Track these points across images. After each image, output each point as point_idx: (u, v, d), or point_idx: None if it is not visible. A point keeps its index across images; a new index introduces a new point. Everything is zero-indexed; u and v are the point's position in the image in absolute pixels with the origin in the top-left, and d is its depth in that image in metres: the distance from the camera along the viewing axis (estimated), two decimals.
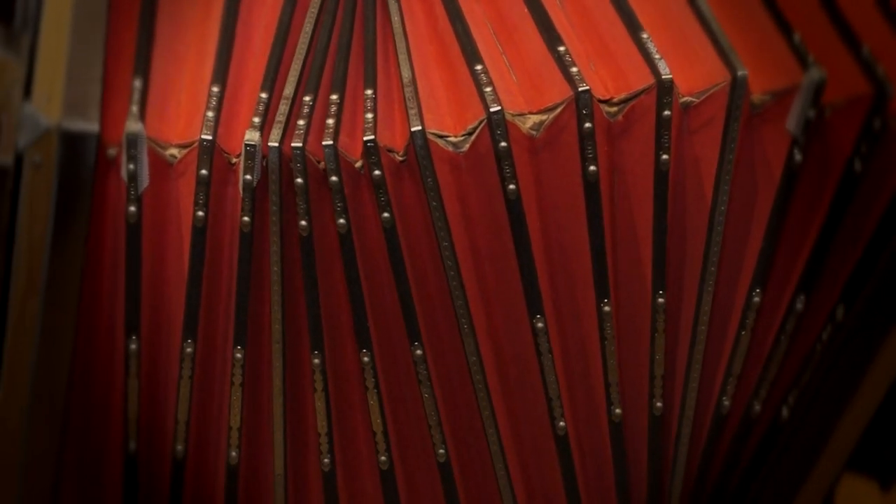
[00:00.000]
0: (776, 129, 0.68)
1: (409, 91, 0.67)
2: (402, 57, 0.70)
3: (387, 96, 0.69)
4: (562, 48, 0.67)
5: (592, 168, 0.66)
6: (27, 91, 0.68)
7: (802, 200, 0.70)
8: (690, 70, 0.68)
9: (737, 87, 0.66)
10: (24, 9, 0.73)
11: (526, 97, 0.67)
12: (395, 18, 0.71)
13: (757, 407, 0.74)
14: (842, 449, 0.76)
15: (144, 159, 0.68)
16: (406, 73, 0.68)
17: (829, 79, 0.67)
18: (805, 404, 0.75)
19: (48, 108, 0.66)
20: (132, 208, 0.68)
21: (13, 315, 0.70)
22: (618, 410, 0.73)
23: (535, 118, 0.66)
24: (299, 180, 0.66)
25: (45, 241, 0.68)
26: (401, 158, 0.66)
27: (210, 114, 0.68)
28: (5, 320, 0.71)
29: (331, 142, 0.65)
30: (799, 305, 0.72)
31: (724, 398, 0.74)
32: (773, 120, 0.68)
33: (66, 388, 0.72)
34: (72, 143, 0.66)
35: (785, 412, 0.74)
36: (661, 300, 0.70)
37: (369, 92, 0.68)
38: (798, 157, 0.68)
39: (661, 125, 0.67)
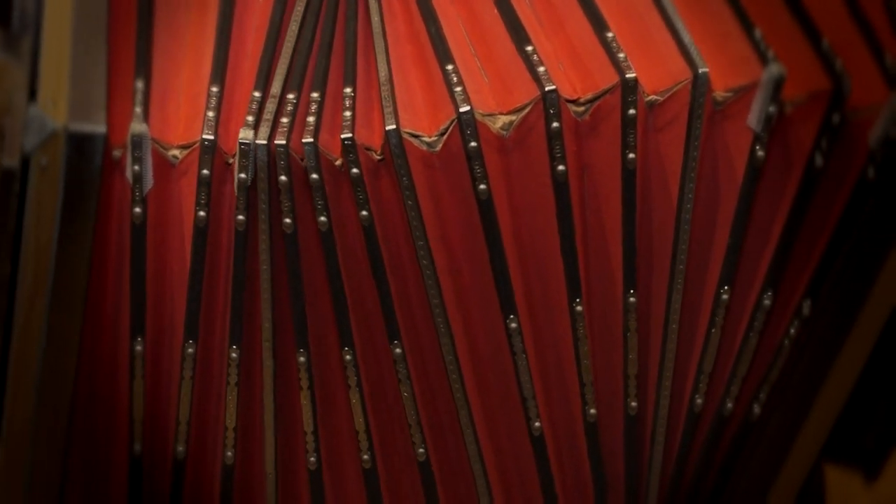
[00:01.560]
0: (738, 125, 0.68)
1: (385, 90, 0.68)
2: (381, 56, 0.70)
3: (366, 95, 0.69)
4: (529, 48, 0.68)
5: (561, 167, 0.66)
6: (32, 94, 0.68)
7: (766, 196, 0.70)
8: (654, 69, 0.68)
9: (698, 84, 0.66)
10: (22, 11, 0.73)
11: (496, 97, 0.68)
12: (375, 18, 0.72)
13: (729, 405, 0.75)
14: (813, 443, 0.76)
15: (149, 160, 0.68)
16: (383, 72, 0.69)
17: (788, 74, 0.67)
18: (775, 400, 0.76)
19: (54, 110, 0.66)
20: (137, 209, 0.68)
21: (20, 316, 0.70)
22: (592, 410, 0.74)
23: (505, 118, 0.66)
24: (283, 178, 0.66)
25: (52, 243, 0.68)
26: (379, 157, 0.66)
27: (210, 114, 0.68)
28: (12, 321, 0.71)
29: (311, 139, 0.66)
30: (766, 301, 0.72)
31: (697, 396, 0.75)
32: (736, 116, 0.68)
33: (72, 390, 0.72)
34: (79, 145, 0.66)
35: (756, 409, 0.75)
36: (632, 299, 0.71)
37: (348, 90, 0.69)
38: (760, 153, 0.68)
39: (627, 124, 0.67)
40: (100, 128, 0.66)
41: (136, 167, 0.67)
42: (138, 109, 0.68)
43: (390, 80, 0.68)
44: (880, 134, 0.66)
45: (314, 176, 0.66)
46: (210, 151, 0.67)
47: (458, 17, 0.73)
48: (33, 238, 0.68)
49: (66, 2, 0.71)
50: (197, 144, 0.67)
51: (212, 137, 0.67)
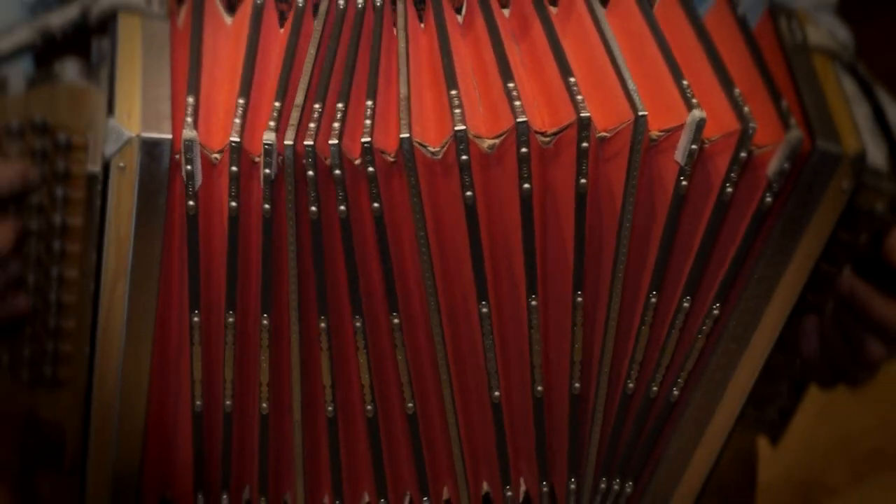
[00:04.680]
0: (668, 158, 0.73)
1: (403, 105, 0.73)
2: (402, 78, 0.75)
3: (385, 107, 0.74)
4: (511, 84, 0.73)
5: (527, 185, 0.72)
6: (110, 110, 0.72)
7: (688, 218, 0.75)
8: (605, 110, 0.73)
9: (638, 125, 0.71)
10: (99, 47, 0.78)
11: (485, 122, 0.73)
12: (402, 45, 0.77)
13: (654, 388, 0.80)
14: (729, 416, 0.81)
15: (198, 162, 0.72)
16: (403, 91, 0.74)
17: (708, 118, 0.72)
18: (690, 384, 0.81)
19: (128, 122, 0.71)
20: (191, 202, 0.72)
21: (105, 295, 0.75)
22: (540, 388, 0.79)
23: (490, 141, 0.72)
24: (310, 173, 0.71)
25: (130, 233, 0.73)
26: (391, 159, 0.72)
27: (237, 121, 0.72)
28: (99, 299, 0.75)
29: (336, 141, 0.71)
30: (686, 304, 0.77)
31: (629, 381, 0.80)
32: (666, 151, 0.73)
33: (150, 355, 0.77)
34: (150, 150, 0.71)
35: (675, 392, 0.81)
36: (579, 299, 0.76)
37: (370, 103, 0.73)
38: (684, 182, 0.73)
39: (581, 155, 0.72)
40: (167, 135, 0.72)
41: (189, 167, 0.72)
42: (189, 120, 0.73)
43: (408, 98, 0.73)
44: (776, 167, 0.73)
45: (337, 172, 0.71)
46: (237, 151, 0.72)
47: (466, 54, 0.79)
48: (114, 230, 0.74)
49: (137, 37, 0.76)
50: (228, 147, 0.72)
51: (237, 140, 0.72)
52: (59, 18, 0.79)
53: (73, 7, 0.79)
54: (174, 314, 0.77)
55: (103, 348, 0.77)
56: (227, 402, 0.79)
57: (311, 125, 0.72)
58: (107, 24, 0.78)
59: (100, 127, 0.73)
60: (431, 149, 0.73)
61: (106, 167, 0.72)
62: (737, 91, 0.75)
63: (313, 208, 0.72)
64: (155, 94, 0.73)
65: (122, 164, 0.72)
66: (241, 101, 0.74)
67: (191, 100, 0.74)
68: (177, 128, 0.73)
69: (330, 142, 0.71)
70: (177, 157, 0.72)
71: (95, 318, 0.76)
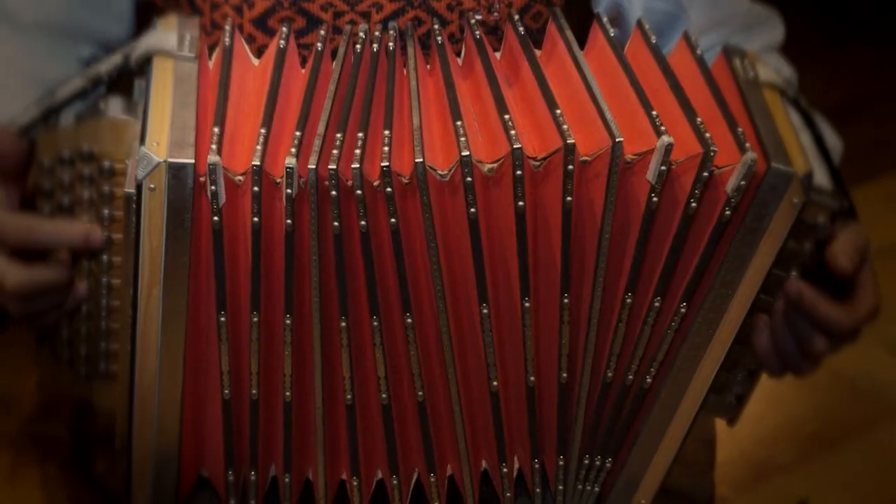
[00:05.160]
0: (641, 179, 0.74)
1: (416, 134, 0.73)
2: (415, 111, 0.76)
3: (399, 136, 0.74)
4: (507, 116, 0.73)
5: (521, 203, 0.73)
6: (142, 139, 0.72)
7: (658, 229, 0.76)
8: (587, 137, 0.74)
9: (615, 150, 0.72)
10: (140, 86, 0.78)
11: (485, 149, 0.74)
12: (413, 84, 0.77)
13: (630, 377, 0.81)
14: (694, 401, 0.81)
15: (221, 183, 0.72)
16: (416, 121, 0.74)
17: (674, 143, 0.72)
18: (661, 373, 0.81)
19: (157, 149, 0.71)
20: (215, 218, 0.72)
21: (143, 300, 0.75)
22: (532, 378, 0.80)
23: (489, 165, 0.73)
24: (334, 193, 0.71)
25: (161, 245, 0.73)
26: (406, 181, 0.72)
27: (259, 147, 0.72)
28: (137, 304, 0.75)
29: (357, 165, 0.71)
30: (657, 304, 0.78)
31: (609, 371, 0.80)
32: (639, 172, 0.74)
33: (183, 351, 0.76)
34: (176, 173, 0.71)
35: (648, 380, 0.81)
36: (566, 300, 0.77)
37: (387, 132, 0.74)
38: (655, 199, 0.74)
39: (567, 176, 0.73)
40: (190, 160, 0.71)
41: (213, 187, 0.72)
42: (214, 147, 0.72)
43: (420, 128, 0.74)
44: (734, 184, 0.73)
45: (359, 192, 0.71)
46: (258, 174, 0.71)
47: (466, 91, 0.79)
48: (148, 243, 0.73)
49: (169, 77, 0.76)
50: (250, 170, 0.72)
51: (258, 163, 0.71)
52: (106, 65, 0.79)
53: (118, 55, 0.79)
54: (203, 315, 0.77)
55: (142, 345, 0.77)
56: (254, 391, 0.79)
57: (334, 151, 0.72)
58: (144, 67, 0.78)
59: (135, 153, 0.73)
60: (440, 172, 0.73)
61: (139, 188, 0.72)
62: (699, 119, 0.75)
63: (336, 223, 0.72)
64: (181, 125, 0.73)
65: (152, 186, 0.72)
66: (262, 130, 0.74)
67: (216, 129, 0.73)
68: (202, 153, 0.72)
69: (353, 165, 0.71)
70: (202, 179, 0.72)
71: (135, 320, 0.76)
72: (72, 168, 0.76)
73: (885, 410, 1.81)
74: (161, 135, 0.72)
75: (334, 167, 0.72)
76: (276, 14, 0.86)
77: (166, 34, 0.79)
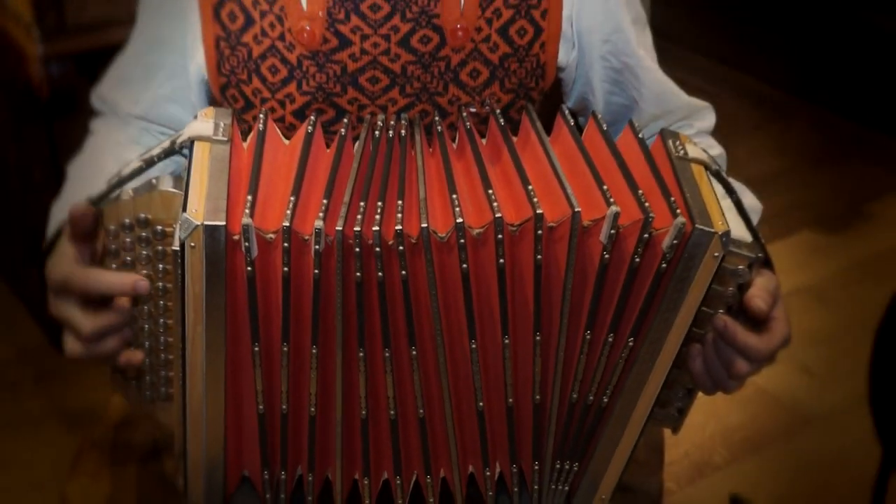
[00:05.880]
0: (595, 240, 0.74)
1: (422, 204, 0.73)
2: (421, 185, 0.76)
3: (409, 205, 0.74)
4: (490, 191, 0.74)
5: (502, 260, 0.73)
6: (184, 207, 0.72)
7: (610, 280, 0.76)
8: (552, 207, 0.74)
9: (575, 218, 0.72)
10: (183, 165, 0.77)
11: (474, 217, 0.74)
12: (419, 163, 0.78)
13: (591, 397, 0.80)
14: (642, 415, 0.81)
15: (254, 240, 0.72)
16: (422, 194, 0.75)
17: (621, 211, 0.73)
18: (615, 394, 0.81)
19: (196, 215, 0.71)
20: (249, 268, 0.72)
21: (189, 335, 0.75)
22: (511, 399, 0.79)
23: (478, 230, 0.73)
24: (357, 250, 0.71)
25: (202, 291, 0.73)
26: (414, 241, 0.72)
27: (288, 212, 0.72)
28: (185, 339, 0.75)
29: (377, 228, 0.71)
30: (610, 339, 0.78)
31: (573, 393, 0.80)
32: (594, 235, 0.74)
33: (224, 377, 0.76)
34: (210, 233, 0.71)
35: (605, 399, 0.81)
36: (538, 338, 0.77)
37: (399, 202, 0.74)
38: (606, 256, 0.74)
39: (537, 239, 0.73)
40: (222, 222, 0.71)
41: (246, 244, 0.71)
42: (247, 211, 0.72)
43: (425, 199, 0.74)
44: (668, 242, 0.73)
45: (377, 249, 0.71)
46: (287, 233, 0.71)
47: (460, 169, 0.80)
48: (191, 289, 0.73)
49: (206, 157, 0.76)
50: (281, 229, 0.72)
51: (288, 224, 0.71)
52: (158, 149, 0.79)
53: (167, 140, 0.80)
54: (240, 346, 0.76)
55: (191, 372, 0.76)
56: (283, 407, 0.78)
57: (358, 217, 0.72)
58: (186, 148, 0.78)
59: (180, 219, 0.73)
60: (440, 235, 0.74)
61: (182, 246, 0.72)
62: (640, 192, 0.75)
63: (358, 274, 0.72)
64: (216, 195, 0.73)
65: (192, 244, 0.71)
66: (292, 198, 0.74)
67: (249, 197, 0.73)
68: (235, 216, 0.72)
69: (373, 228, 0.71)
70: (235, 237, 0.72)
71: (184, 351, 0.76)
72: (132, 232, 0.76)
73: (799, 420, 1.81)
74: (199, 203, 0.72)
75: (359, 229, 0.72)
76: (312, 107, 0.87)
77: (205, 123, 0.79)
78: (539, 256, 0.74)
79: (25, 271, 1.84)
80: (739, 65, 2.81)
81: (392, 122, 0.82)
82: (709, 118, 0.99)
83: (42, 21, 1.44)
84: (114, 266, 0.77)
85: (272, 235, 0.73)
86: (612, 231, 0.74)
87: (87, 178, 0.87)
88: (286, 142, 0.82)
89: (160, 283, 0.77)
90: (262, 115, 0.81)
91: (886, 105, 2.54)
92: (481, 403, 0.79)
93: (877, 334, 1.25)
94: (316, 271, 0.72)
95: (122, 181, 0.77)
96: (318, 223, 0.71)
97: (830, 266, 2.14)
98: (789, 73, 2.73)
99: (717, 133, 0.99)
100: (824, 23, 2.61)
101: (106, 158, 0.89)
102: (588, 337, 0.78)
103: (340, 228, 0.71)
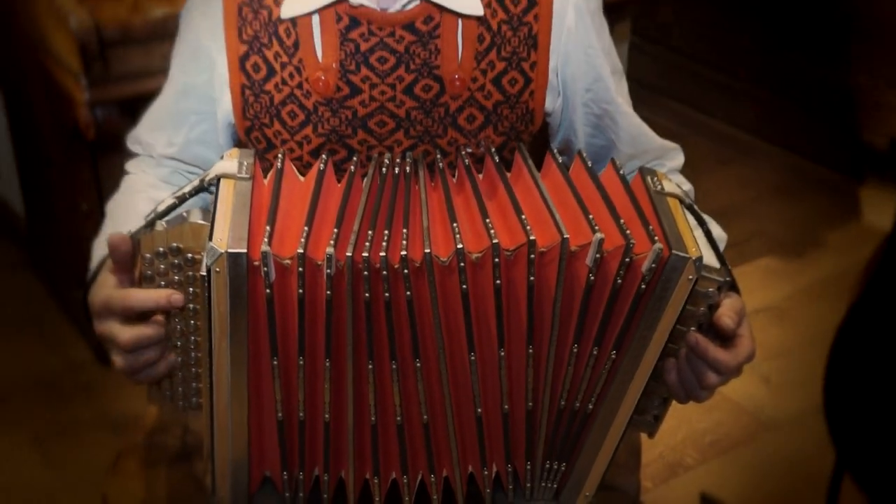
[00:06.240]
0: (582, 263, 0.74)
1: (425, 232, 0.73)
2: (424, 215, 0.75)
3: (413, 233, 0.74)
4: (487, 220, 0.74)
5: (498, 281, 0.73)
6: (211, 237, 0.71)
7: (595, 299, 0.75)
8: (543, 234, 0.74)
9: (564, 244, 0.72)
10: (210, 200, 0.77)
11: (473, 243, 0.74)
12: (423, 195, 0.78)
13: (577, 404, 0.80)
14: (622, 420, 0.80)
15: (272, 265, 0.71)
16: (425, 223, 0.75)
17: (605, 238, 0.73)
18: (599, 400, 0.80)
19: (220, 243, 0.71)
20: (268, 291, 0.72)
21: (215, 350, 0.74)
22: (506, 406, 0.79)
23: (477, 254, 0.73)
24: (366, 273, 0.71)
25: (226, 311, 0.72)
26: (418, 265, 0.72)
27: (302, 240, 0.72)
28: (212, 353, 0.74)
29: (384, 254, 0.71)
30: (595, 352, 0.77)
31: (562, 400, 0.79)
32: (581, 258, 0.74)
33: (247, 387, 0.75)
34: (233, 260, 0.71)
35: (590, 406, 0.80)
36: (530, 351, 0.77)
37: (404, 230, 0.74)
38: (592, 278, 0.74)
39: (530, 263, 0.73)
40: (243, 250, 0.71)
41: (265, 269, 0.71)
42: (266, 240, 0.71)
43: (428, 228, 0.74)
44: (647, 266, 0.73)
45: (384, 272, 0.71)
46: (302, 258, 0.71)
47: (460, 201, 0.80)
48: (216, 309, 0.73)
49: (230, 192, 0.76)
50: (296, 256, 0.71)
51: (302, 251, 0.71)
52: (189, 187, 0.80)
53: (197, 179, 0.80)
54: (261, 359, 0.75)
55: (217, 384, 0.76)
56: (301, 414, 0.78)
57: (366, 243, 0.72)
58: (213, 185, 0.78)
59: (207, 247, 0.73)
60: (442, 259, 0.73)
61: (208, 271, 0.71)
62: (622, 220, 0.75)
63: (367, 294, 0.72)
64: (238, 226, 0.73)
65: (217, 269, 0.71)
66: (306, 228, 0.73)
67: (268, 227, 0.73)
68: (256, 245, 0.72)
69: (381, 254, 0.71)
70: (255, 263, 0.71)
71: (211, 365, 0.75)
72: (165, 259, 0.76)
73: (762, 426, 1.80)
74: (223, 233, 0.72)
75: (367, 254, 0.71)
76: (326, 147, 0.87)
77: (230, 162, 0.79)
78: (532, 278, 0.74)
79: (74, 293, 1.84)
80: (705, 109, 2.83)
81: (398, 160, 0.83)
82: (678, 158, 0.99)
83: (89, 71, 1.47)
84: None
85: (289, 261, 0.72)
86: (597, 255, 0.74)
87: (122, 216, 0.88)
88: (301, 178, 0.82)
89: (190, 305, 0.77)
90: (280, 155, 0.81)
91: (834, 145, 2.58)
92: (479, 410, 0.79)
93: (831, 349, 1.25)
94: (328, 293, 0.72)
95: (158, 217, 0.78)
96: (330, 250, 0.71)
97: (787, 288, 2.15)
98: (749, 117, 2.75)
99: (686, 168, 1.00)
100: (781, 72, 2.65)
101: (139, 199, 0.90)
102: (575, 350, 0.78)
103: (350, 254, 0.71)
